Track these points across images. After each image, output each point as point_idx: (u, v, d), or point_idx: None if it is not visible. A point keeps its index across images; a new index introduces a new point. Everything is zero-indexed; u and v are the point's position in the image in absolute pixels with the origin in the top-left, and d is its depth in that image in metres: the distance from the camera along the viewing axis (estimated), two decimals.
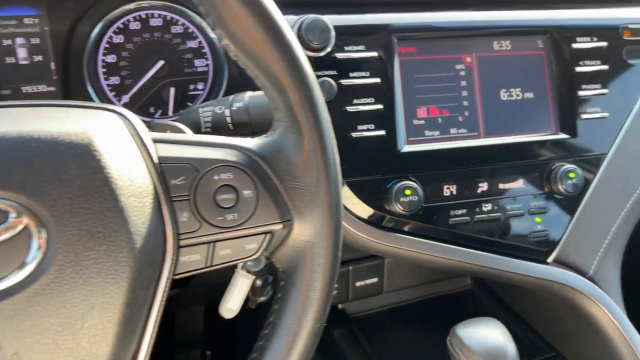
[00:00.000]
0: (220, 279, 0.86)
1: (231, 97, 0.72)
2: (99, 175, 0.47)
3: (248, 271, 0.80)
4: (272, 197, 0.54)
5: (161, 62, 0.93)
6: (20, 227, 0.45)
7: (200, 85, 0.97)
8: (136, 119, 0.53)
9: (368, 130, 0.84)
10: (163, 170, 0.52)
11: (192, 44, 0.96)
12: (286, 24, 0.51)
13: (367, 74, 0.85)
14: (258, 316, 1.04)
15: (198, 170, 0.52)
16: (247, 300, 0.84)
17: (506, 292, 1.23)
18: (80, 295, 0.46)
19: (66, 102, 0.53)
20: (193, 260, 0.53)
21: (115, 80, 0.92)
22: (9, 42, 0.88)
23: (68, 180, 0.46)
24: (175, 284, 0.53)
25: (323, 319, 0.57)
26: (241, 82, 0.93)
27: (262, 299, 0.90)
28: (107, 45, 0.91)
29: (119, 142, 0.50)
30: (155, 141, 0.53)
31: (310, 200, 0.54)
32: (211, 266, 0.55)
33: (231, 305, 0.79)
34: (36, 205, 0.45)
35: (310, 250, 0.55)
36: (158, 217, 0.50)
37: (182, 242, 0.52)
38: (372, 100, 0.85)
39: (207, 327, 1.17)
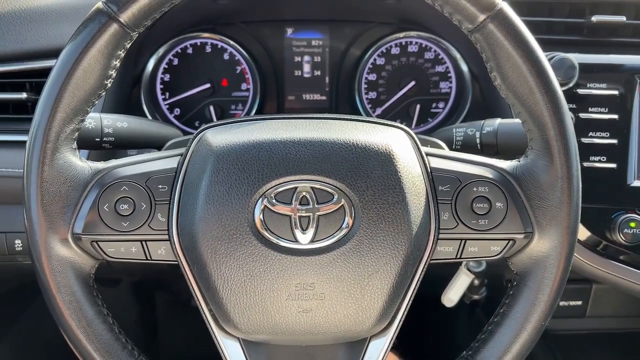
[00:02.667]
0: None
1: (482, 122, 0.84)
2: (394, 177, 0.61)
3: (470, 270, 0.92)
4: (519, 211, 0.63)
5: (412, 83, 1.09)
6: (339, 205, 0.60)
7: (441, 105, 1.12)
8: (415, 136, 0.68)
9: (600, 162, 0.91)
10: (433, 178, 0.64)
11: (440, 68, 1.11)
12: (552, 71, 0.62)
13: (606, 109, 0.91)
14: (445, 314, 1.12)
15: (461, 182, 0.64)
16: (463, 295, 0.97)
17: None
18: (370, 261, 0.60)
19: (368, 118, 0.69)
20: (446, 251, 0.65)
21: (372, 95, 1.11)
22: (298, 59, 1.12)
23: (373, 177, 0.61)
24: None
25: (547, 318, 0.66)
26: (483, 107, 1.06)
27: (476, 297, 1.01)
28: (370, 66, 1.10)
29: (406, 153, 0.63)
30: (427, 154, 0.67)
31: (552, 218, 0.63)
32: (460, 258, 0.67)
33: (451, 296, 0.92)
34: (351, 192, 0.60)
35: (545, 260, 0.64)
36: (427, 214, 0.63)
37: (441, 236, 0.64)
38: (607, 134, 0.91)
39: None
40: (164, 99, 1.10)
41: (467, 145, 0.84)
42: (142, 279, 1.53)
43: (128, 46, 0.62)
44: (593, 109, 0.91)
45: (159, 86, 1.09)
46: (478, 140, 0.83)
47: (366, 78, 1.11)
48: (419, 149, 0.66)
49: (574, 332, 1.21)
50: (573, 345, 1.18)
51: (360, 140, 0.62)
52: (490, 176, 0.65)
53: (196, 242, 0.61)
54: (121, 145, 0.81)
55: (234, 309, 0.62)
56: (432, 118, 1.12)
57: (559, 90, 0.62)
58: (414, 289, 0.65)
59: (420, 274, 0.65)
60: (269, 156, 0.61)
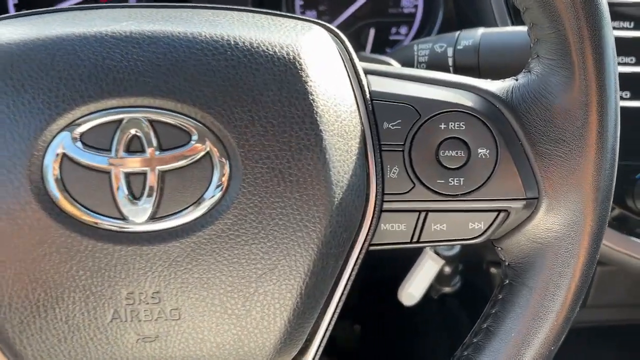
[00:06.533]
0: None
1: (457, 33, 0.62)
2: (302, 102, 0.38)
3: (438, 254, 0.68)
4: (517, 162, 0.42)
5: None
6: (201, 154, 0.37)
7: (403, 30, 0.92)
8: (347, 42, 0.43)
9: (622, 98, 0.70)
10: (375, 109, 0.42)
11: None
12: None
13: (631, 24, 0.72)
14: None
15: (420, 115, 0.42)
16: (429, 288, 0.73)
17: None
18: (259, 251, 0.39)
19: (267, 10, 0.43)
20: (396, 231, 0.43)
21: (311, 15, 0.89)
22: None
23: (265, 102, 0.37)
24: None
25: (559, 340, 0.44)
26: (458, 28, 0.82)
27: (447, 289, 0.80)
28: None
29: (328, 65, 0.41)
30: (367, 72, 0.44)
31: (571, 173, 0.41)
32: (418, 242, 0.44)
33: (413, 290, 0.67)
34: (223, 130, 0.37)
35: (557, 246, 0.43)
36: (362, 169, 0.41)
37: (387, 206, 0.42)
38: (631, 59, 0.71)
39: (362, 300, 1.12)
40: None
41: (435, 69, 0.59)
42: None
43: None
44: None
45: None
46: (450, 61, 0.61)
47: None
48: (351, 61, 0.43)
49: (573, 325, 1.00)
50: (571, 339, 0.98)
51: (242, 39, 0.39)
52: (469, 104, 0.43)
53: None
54: None
55: (20, 337, 0.38)
56: (391, 47, 0.90)
57: None
58: (343, 293, 0.43)
59: (353, 269, 0.43)
60: (73, 63, 0.36)
